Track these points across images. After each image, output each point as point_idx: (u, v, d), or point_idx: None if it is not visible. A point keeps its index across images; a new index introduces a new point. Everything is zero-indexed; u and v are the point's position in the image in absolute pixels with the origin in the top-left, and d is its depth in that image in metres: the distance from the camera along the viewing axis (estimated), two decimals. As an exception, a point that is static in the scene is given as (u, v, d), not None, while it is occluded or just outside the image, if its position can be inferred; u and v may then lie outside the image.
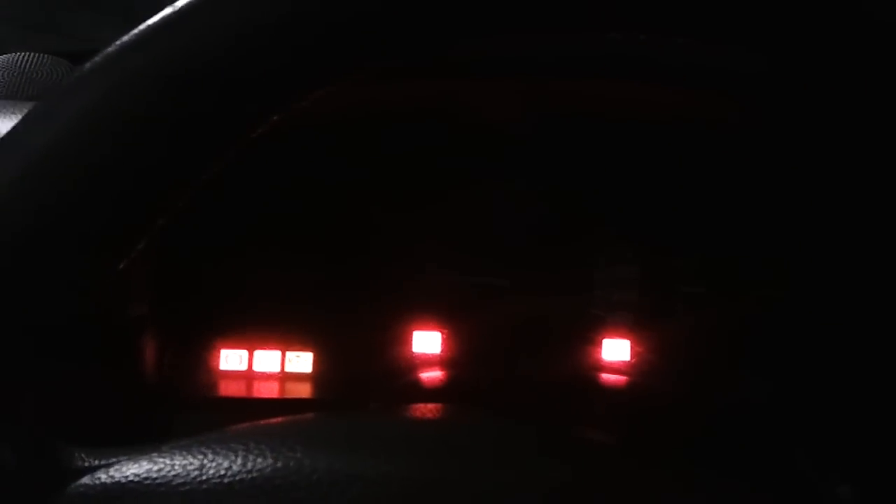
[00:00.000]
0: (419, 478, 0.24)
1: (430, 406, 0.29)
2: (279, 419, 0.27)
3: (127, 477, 0.25)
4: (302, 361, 0.53)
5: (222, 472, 0.24)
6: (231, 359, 0.53)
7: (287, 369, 0.53)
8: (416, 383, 0.53)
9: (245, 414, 0.30)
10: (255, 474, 0.24)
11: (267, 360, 0.53)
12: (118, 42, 0.25)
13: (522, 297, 0.54)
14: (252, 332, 0.53)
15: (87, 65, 0.27)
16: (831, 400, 0.48)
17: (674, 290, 0.54)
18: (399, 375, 0.53)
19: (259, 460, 0.24)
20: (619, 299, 0.54)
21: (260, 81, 0.27)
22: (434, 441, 0.26)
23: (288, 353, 0.54)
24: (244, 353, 0.53)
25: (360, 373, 0.53)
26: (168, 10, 0.26)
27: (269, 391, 0.53)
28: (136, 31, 0.25)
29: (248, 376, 0.53)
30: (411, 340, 0.54)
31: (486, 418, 0.29)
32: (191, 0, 0.25)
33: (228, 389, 0.52)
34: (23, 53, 0.68)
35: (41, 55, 0.69)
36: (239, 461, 0.24)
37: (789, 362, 0.50)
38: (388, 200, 0.53)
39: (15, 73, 0.67)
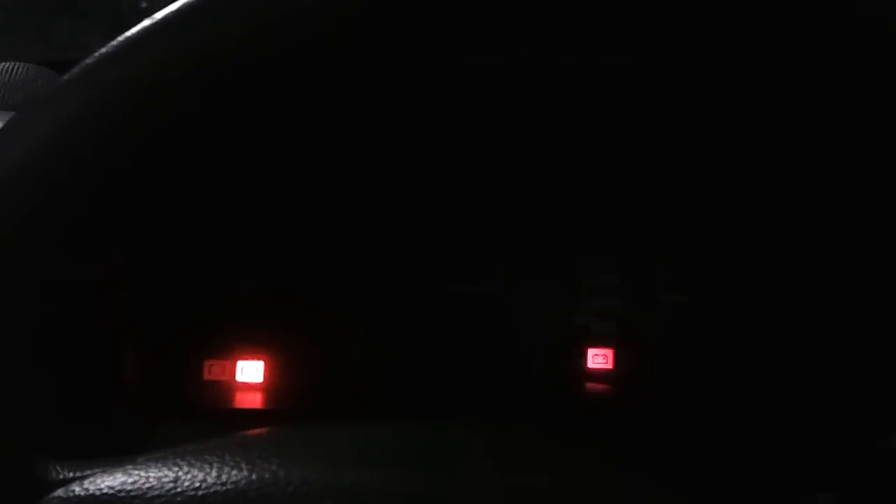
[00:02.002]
0: (393, 489, 0.24)
1: (407, 417, 0.29)
2: (255, 431, 0.27)
3: (101, 489, 0.25)
4: (288, 372, 0.53)
5: (197, 485, 0.24)
6: (214, 370, 0.53)
7: (272, 380, 0.53)
8: (403, 395, 0.53)
9: (228, 425, 0.30)
10: (229, 486, 0.24)
11: (250, 371, 0.53)
12: (93, 55, 0.25)
13: (506, 307, 0.54)
14: (235, 343, 0.53)
15: (65, 77, 0.27)
16: (813, 407, 0.48)
17: (657, 298, 0.54)
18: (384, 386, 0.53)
19: (234, 472, 0.24)
20: (603, 309, 0.54)
21: (238, 94, 0.28)
22: (409, 452, 0.26)
23: (273, 364, 0.53)
24: (227, 363, 0.53)
25: (346, 383, 0.53)
26: (146, 22, 0.26)
27: (252, 402, 0.53)
28: (110, 44, 0.25)
29: (231, 387, 0.53)
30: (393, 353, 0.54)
31: (465, 429, 0.29)
32: (167, 13, 0.25)
33: (211, 400, 0.52)
34: (8, 63, 0.68)
35: (27, 65, 0.69)
36: (214, 473, 0.24)
37: (772, 370, 0.51)
38: (366, 207, 0.53)
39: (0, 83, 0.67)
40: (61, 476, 0.26)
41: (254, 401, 0.53)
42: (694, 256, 0.53)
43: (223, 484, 0.24)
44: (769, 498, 0.32)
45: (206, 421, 0.50)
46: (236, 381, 0.53)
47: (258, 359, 0.54)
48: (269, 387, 0.54)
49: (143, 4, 0.84)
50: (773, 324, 0.52)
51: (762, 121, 0.49)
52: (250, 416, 0.53)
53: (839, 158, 0.49)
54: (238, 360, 0.53)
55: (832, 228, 0.51)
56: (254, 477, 0.24)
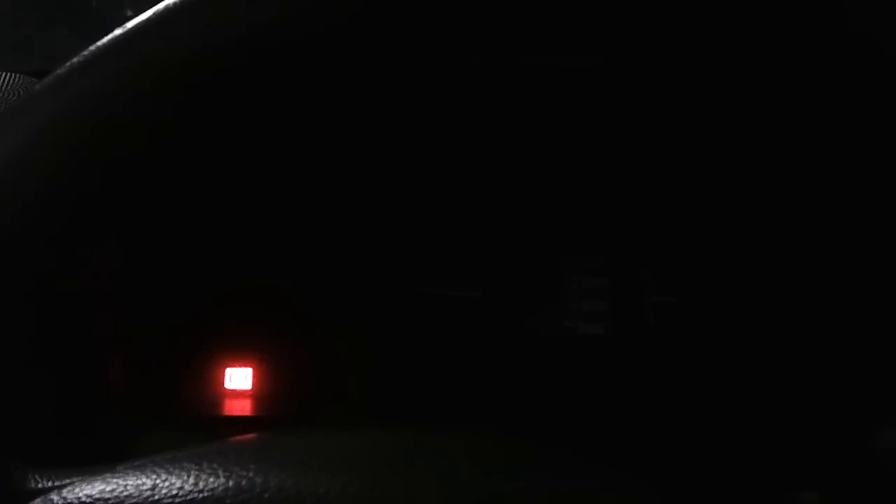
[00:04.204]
0: (369, 494, 0.24)
1: (389, 423, 0.29)
2: (234, 438, 0.27)
3: (80, 498, 0.25)
4: (275, 379, 0.53)
5: (174, 492, 0.24)
6: (203, 377, 0.53)
7: (259, 387, 0.53)
8: (392, 401, 0.53)
9: (215, 432, 0.30)
10: (206, 493, 0.24)
11: (239, 378, 0.53)
12: (66, 64, 0.26)
13: (494, 309, 0.55)
14: (224, 349, 0.53)
15: (37, 86, 0.27)
16: (797, 405, 0.48)
17: (643, 300, 0.54)
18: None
19: (211, 479, 0.24)
20: (590, 310, 0.54)
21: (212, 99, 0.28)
22: (386, 458, 0.26)
23: (259, 370, 0.53)
24: (216, 370, 0.53)
25: (335, 389, 0.53)
26: (117, 32, 0.26)
27: (241, 409, 0.52)
28: (82, 54, 0.25)
29: (220, 394, 0.53)
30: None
31: (447, 435, 0.29)
32: (139, 23, 0.25)
33: (200, 407, 0.52)
34: (-7, 72, 0.68)
35: (11, 74, 0.69)
36: (191, 481, 0.24)
37: (757, 368, 0.51)
38: (353, 213, 0.53)
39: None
40: (40, 485, 0.26)
41: (243, 408, 0.53)
42: (680, 258, 0.53)
43: (200, 491, 0.24)
44: (753, 496, 0.32)
45: (194, 429, 0.50)
46: (225, 388, 0.53)
47: (247, 365, 0.53)
48: (259, 394, 0.53)
49: (129, 13, 0.85)
50: (756, 322, 0.52)
51: (748, 123, 0.49)
52: (239, 423, 0.53)
53: (822, 159, 0.49)
54: (227, 366, 0.53)
55: (814, 228, 0.51)
56: (230, 484, 0.24)
